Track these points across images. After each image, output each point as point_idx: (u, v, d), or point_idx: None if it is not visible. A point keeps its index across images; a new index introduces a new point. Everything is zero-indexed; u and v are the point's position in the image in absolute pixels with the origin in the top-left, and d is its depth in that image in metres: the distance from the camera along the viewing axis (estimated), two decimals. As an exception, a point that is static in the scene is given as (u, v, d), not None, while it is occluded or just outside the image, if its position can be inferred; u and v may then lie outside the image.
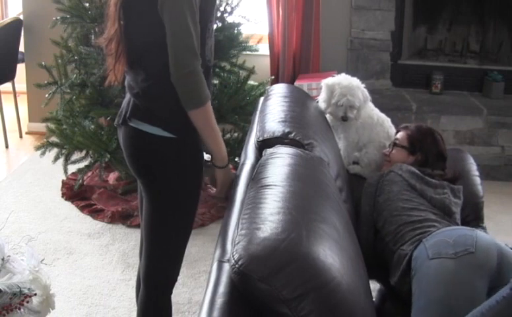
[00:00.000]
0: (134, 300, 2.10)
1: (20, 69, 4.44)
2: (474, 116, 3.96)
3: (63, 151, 3.41)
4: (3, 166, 4.14)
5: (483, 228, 2.30)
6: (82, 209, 3.40)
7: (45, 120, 3.50)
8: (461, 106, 4.05)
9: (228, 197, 1.73)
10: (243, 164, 1.89)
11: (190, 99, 1.63)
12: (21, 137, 4.54)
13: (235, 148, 3.41)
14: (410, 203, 2.05)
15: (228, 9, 3.41)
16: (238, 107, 3.34)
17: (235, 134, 3.55)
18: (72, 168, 3.50)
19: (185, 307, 2.60)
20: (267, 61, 4.17)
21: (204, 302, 1.24)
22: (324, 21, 4.11)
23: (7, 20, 4.34)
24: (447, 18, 4.38)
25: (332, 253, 1.31)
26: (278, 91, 2.32)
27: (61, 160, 3.43)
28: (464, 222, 2.20)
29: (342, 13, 4.19)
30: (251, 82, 3.45)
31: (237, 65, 3.48)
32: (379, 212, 2.10)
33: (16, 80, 4.42)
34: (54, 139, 3.44)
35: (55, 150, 3.43)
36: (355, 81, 2.45)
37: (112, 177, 3.67)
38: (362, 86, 2.47)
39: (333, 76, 2.50)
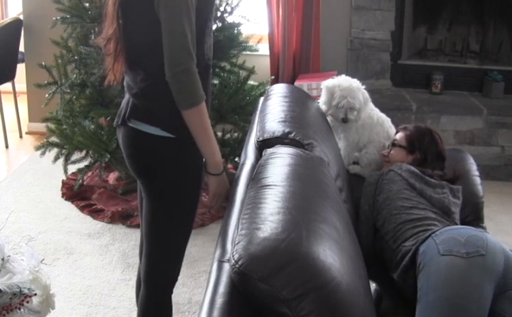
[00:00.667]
0: (134, 300, 2.10)
1: (20, 69, 4.44)
2: (474, 116, 3.96)
3: (63, 151, 3.41)
4: (3, 166, 4.14)
5: (483, 228, 2.30)
6: (82, 209, 3.40)
7: (45, 120, 3.50)
8: (461, 106, 4.05)
9: (228, 199, 1.71)
10: (243, 164, 1.89)
11: (184, 98, 1.61)
12: (21, 137, 4.54)
13: (235, 148, 3.41)
14: (410, 201, 2.05)
15: (228, 9, 3.40)
16: (238, 107, 3.34)
17: (235, 134, 3.55)
18: (72, 168, 3.50)
19: (185, 307, 2.60)
20: (267, 61, 4.16)
21: (204, 302, 1.24)
22: (324, 21, 4.11)
23: (7, 20, 4.34)
24: (446, 18, 4.38)
25: (332, 253, 1.30)
26: (278, 91, 2.32)
27: (61, 160, 3.43)
28: (464, 222, 2.19)
29: (342, 13, 4.19)
30: (251, 82, 3.45)
31: (237, 65, 3.48)
32: (379, 211, 2.10)
33: (16, 80, 4.42)
34: (54, 139, 3.44)
35: (55, 150, 3.43)
36: (355, 83, 2.45)
37: (112, 177, 3.67)
38: (362, 87, 2.47)
39: (333, 77, 2.50)
